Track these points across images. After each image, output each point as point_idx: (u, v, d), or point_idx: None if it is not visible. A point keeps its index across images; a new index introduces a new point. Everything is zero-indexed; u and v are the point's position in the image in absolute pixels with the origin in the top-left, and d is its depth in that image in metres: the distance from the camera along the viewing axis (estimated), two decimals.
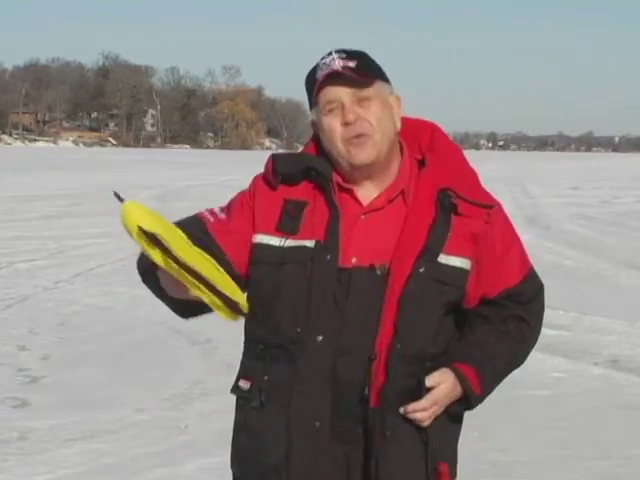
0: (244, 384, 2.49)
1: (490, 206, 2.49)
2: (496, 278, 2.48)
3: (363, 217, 2.44)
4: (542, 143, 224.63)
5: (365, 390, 2.37)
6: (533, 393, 6.99)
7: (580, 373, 7.75)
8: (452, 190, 2.42)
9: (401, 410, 2.36)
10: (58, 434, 5.97)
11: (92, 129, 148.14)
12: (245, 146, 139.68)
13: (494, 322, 2.50)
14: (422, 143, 2.53)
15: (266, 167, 2.51)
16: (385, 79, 2.48)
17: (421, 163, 2.51)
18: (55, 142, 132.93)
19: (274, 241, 2.44)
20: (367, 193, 2.46)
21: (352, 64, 2.41)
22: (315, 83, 2.42)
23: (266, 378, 2.43)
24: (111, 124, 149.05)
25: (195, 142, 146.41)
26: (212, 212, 2.54)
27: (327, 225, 2.42)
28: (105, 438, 5.91)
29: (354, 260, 2.40)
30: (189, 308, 2.44)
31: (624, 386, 7.45)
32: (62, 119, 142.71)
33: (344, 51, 2.45)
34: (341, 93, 2.41)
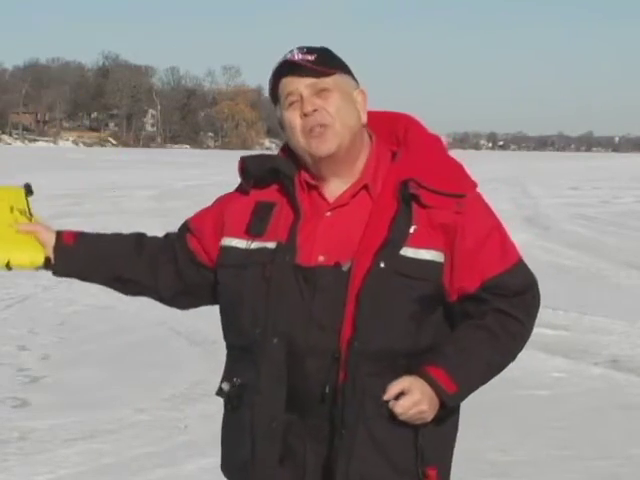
0: (225, 386, 2.51)
1: (460, 195, 2.41)
2: (472, 269, 2.39)
3: (329, 214, 2.43)
4: (542, 143, 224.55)
5: (326, 388, 2.35)
6: (533, 393, 6.99)
7: (580, 373, 7.75)
8: (415, 180, 2.38)
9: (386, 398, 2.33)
10: (58, 434, 5.97)
11: (92, 129, 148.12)
12: (245, 146, 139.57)
13: (474, 317, 2.42)
14: (398, 134, 2.51)
15: (238, 169, 2.54)
16: (348, 72, 2.48)
17: (394, 156, 2.48)
18: (55, 142, 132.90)
19: (240, 244, 2.46)
20: (334, 190, 2.45)
21: (311, 57, 2.41)
22: (273, 76, 2.45)
23: (237, 380, 2.46)
24: (111, 124, 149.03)
25: (195, 142, 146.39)
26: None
27: (290, 226, 2.42)
28: (105, 438, 5.91)
29: (321, 258, 2.38)
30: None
31: (624, 386, 7.45)
32: (62, 119, 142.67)
33: (305, 47, 2.46)
34: (299, 85, 2.41)
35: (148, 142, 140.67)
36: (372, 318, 2.33)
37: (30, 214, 2.70)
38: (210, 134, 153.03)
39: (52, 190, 29.74)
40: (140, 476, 5.28)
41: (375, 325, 2.33)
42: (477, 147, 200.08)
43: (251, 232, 2.45)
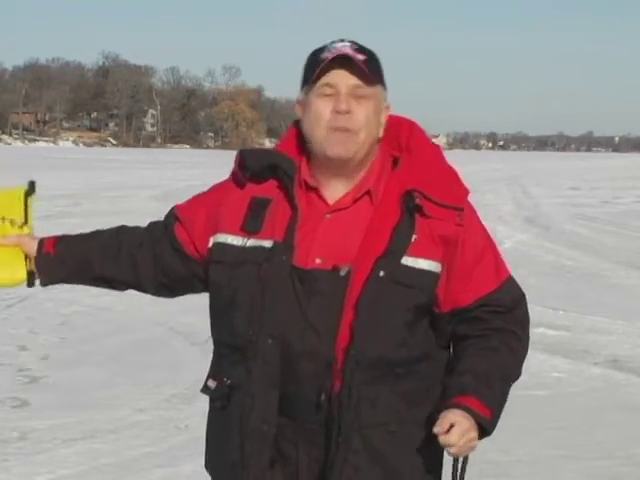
0: (211, 384, 2.49)
1: (461, 208, 2.40)
2: (468, 283, 2.40)
3: (328, 216, 2.40)
4: (542, 143, 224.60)
5: (322, 396, 2.33)
6: (533, 393, 6.98)
7: (580, 373, 7.75)
8: (419, 191, 2.36)
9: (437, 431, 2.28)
10: (58, 434, 5.97)
11: (92, 129, 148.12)
12: (245, 146, 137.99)
13: (474, 339, 2.41)
14: (401, 140, 2.48)
15: (234, 162, 2.50)
16: (384, 85, 2.44)
17: (395, 161, 2.46)
18: (55, 142, 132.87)
19: (236, 241, 2.42)
20: (334, 192, 2.42)
21: (361, 57, 2.36)
22: (320, 61, 2.35)
23: (227, 380, 2.43)
24: (111, 124, 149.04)
25: (195, 142, 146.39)
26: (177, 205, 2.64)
27: (287, 225, 2.38)
28: (105, 438, 5.91)
29: (318, 261, 2.36)
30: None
31: (624, 386, 7.45)
32: (62, 119, 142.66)
33: (355, 42, 2.40)
34: (343, 80, 2.35)
35: (148, 142, 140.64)
36: (370, 326, 2.31)
37: (25, 219, 2.64)
38: (210, 134, 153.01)
39: (52, 190, 29.73)
40: (140, 476, 5.28)
41: (372, 333, 2.31)
42: (477, 147, 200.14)
43: (246, 229, 2.41)
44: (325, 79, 2.35)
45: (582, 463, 5.63)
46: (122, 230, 2.69)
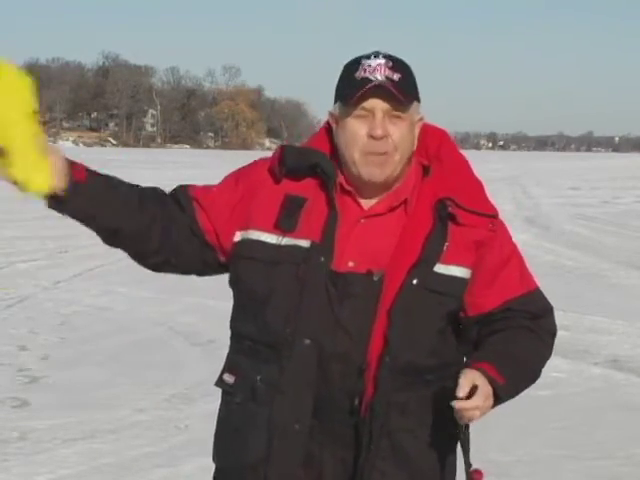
0: (229, 378, 2.47)
1: (494, 215, 2.44)
2: (492, 287, 2.42)
3: (363, 221, 2.40)
4: (542, 143, 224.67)
5: (355, 401, 2.34)
6: (533, 393, 6.93)
7: (580, 373, 7.75)
8: (451, 200, 2.38)
9: (453, 404, 2.26)
10: (58, 434, 5.97)
11: (92, 129, 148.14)
12: (245, 146, 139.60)
13: (498, 333, 2.43)
14: (430, 149, 2.49)
15: (274, 156, 2.47)
16: (418, 99, 2.43)
17: (426, 170, 2.47)
18: (55, 142, 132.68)
19: (270, 239, 2.40)
20: (369, 197, 2.42)
21: (396, 77, 2.35)
22: (356, 84, 2.34)
23: (251, 377, 2.41)
24: (111, 124, 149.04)
25: (195, 142, 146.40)
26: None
27: (324, 226, 2.38)
28: (105, 438, 5.91)
29: (351, 264, 2.36)
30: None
31: (624, 386, 7.45)
32: (62, 119, 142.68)
33: (390, 58, 2.38)
34: (378, 106, 2.35)
35: (148, 142, 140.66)
36: (404, 333, 2.32)
37: (37, 116, 2.37)
38: (210, 134, 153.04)
39: None
40: (140, 476, 5.28)
41: (406, 340, 2.33)
42: (477, 147, 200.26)
43: (281, 227, 2.39)
44: (360, 102, 2.35)
45: (582, 463, 5.63)
46: (148, 190, 2.51)
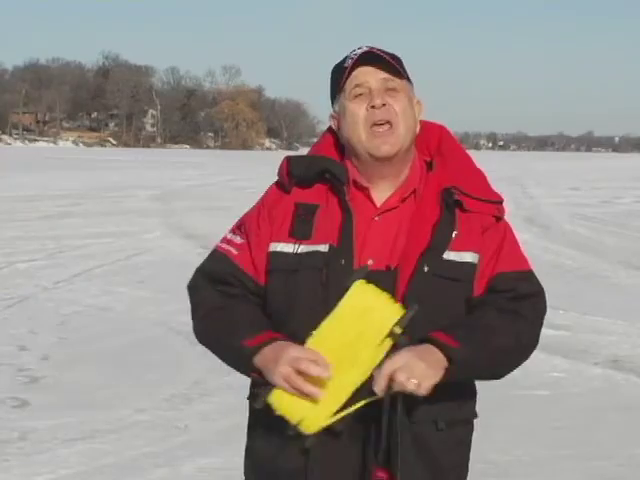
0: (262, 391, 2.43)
1: (499, 202, 2.48)
2: (490, 267, 2.43)
3: (377, 218, 2.43)
4: (542, 143, 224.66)
5: (372, 391, 2.30)
6: (533, 393, 6.99)
7: (580, 373, 7.75)
8: (457, 188, 2.42)
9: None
10: (58, 434, 5.97)
11: (92, 129, 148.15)
12: (245, 146, 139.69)
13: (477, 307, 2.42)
14: (430, 145, 2.52)
15: (280, 170, 2.48)
16: (410, 81, 2.49)
17: (429, 165, 2.50)
18: (55, 142, 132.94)
19: (288, 248, 2.40)
20: (381, 193, 2.45)
21: (384, 53, 2.42)
22: (344, 70, 2.41)
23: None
24: (111, 124, 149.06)
25: (195, 142, 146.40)
26: (229, 242, 2.50)
27: (340, 228, 2.39)
28: (105, 438, 5.91)
29: (370, 262, 2.37)
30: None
31: (624, 386, 7.45)
32: (62, 119, 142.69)
33: (374, 47, 2.44)
34: (371, 78, 2.40)
35: (148, 142, 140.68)
36: (418, 321, 2.30)
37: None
38: (210, 134, 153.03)
39: (52, 190, 29.77)
40: (140, 476, 5.28)
41: (421, 328, 2.31)
42: (477, 147, 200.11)
43: (296, 235, 2.40)
44: (354, 80, 2.40)
45: (582, 463, 5.63)
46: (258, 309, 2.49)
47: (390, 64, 2.40)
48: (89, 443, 5.81)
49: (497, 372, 2.45)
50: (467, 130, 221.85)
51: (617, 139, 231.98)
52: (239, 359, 2.39)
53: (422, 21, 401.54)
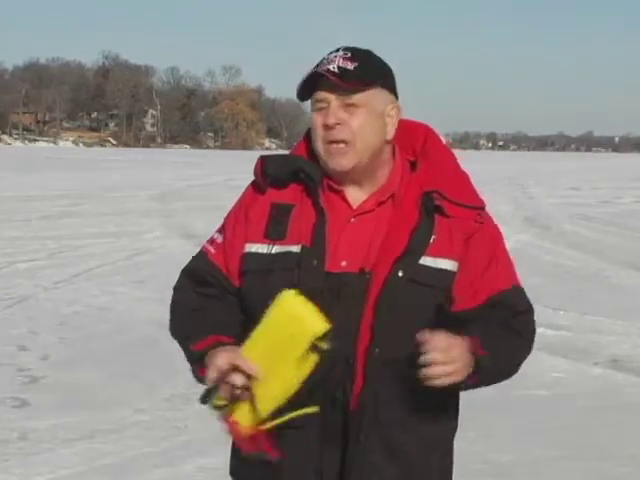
0: None
1: (481, 207, 2.45)
2: (483, 281, 2.41)
3: (353, 220, 2.41)
4: (542, 143, 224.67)
5: (337, 393, 2.34)
6: (533, 393, 6.99)
7: (580, 373, 7.75)
8: (438, 192, 2.39)
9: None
10: (58, 434, 5.97)
11: (92, 129, 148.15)
12: (245, 146, 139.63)
13: (485, 320, 2.40)
14: (415, 145, 2.50)
15: (255, 169, 2.48)
16: (387, 86, 2.43)
17: (413, 165, 2.48)
18: (55, 142, 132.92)
19: (262, 249, 2.41)
20: (357, 195, 2.43)
21: (351, 66, 2.36)
22: (307, 79, 2.39)
23: None
24: (111, 124, 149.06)
25: (195, 142, 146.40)
26: (212, 241, 2.53)
27: (314, 229, 2.38)
28: (105, 438, 5.91)
29: (344, 264, 2.36)
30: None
31: (624, 386, 7.45)
32: (62, 119, 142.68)
33: (349, 49, 2.40)
34: (328, 95, 2.38)
35: (148, 142, 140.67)
36: (391, 325, 2.32)
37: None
38: (210, 134, 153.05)
39: (52, 190, 29.77)
40: (140, 476, 5.28)
41: (393, 332, 2.33)
42: (477, 147, 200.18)
43: (270, 236, 2.40)
44: (315, 95, 2.40)
45: (582, 463, 5.63)
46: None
47: (350, 83, 2.35)
48: (89, 443, 5.81)
49: (489, 384, 2.43)
50: (467, 130, 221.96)
51: (617, 139, 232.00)
52: (191, 363, 2.45)
53: (421, 20, 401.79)
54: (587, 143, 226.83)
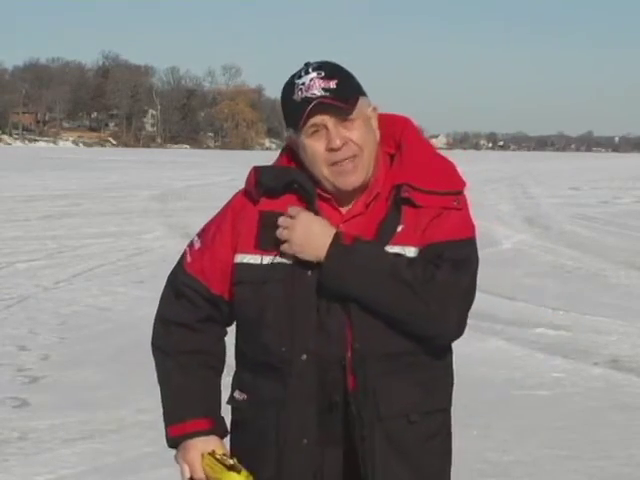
0: (239, 395, 2.50)
1: (456, 192, 2.42)
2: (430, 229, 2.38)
3: (342, 226, 2.41)
4: (542, 143, 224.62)
5: (334, 396, 2.36)
6: (533, 393, 6.98)
7: (580, 373, 7.75)
8: (407, 184, 2.39)
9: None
10: (58, 434, 5.97)
11: (92, 129, 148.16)
12: (245, 146, 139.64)
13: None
14: (395, 137, 2.51)
15: (248, 179, 2.47)
16: (363, 93, 2.45)
17: (392, 158, 2.49)
18: (55, 142, 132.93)
19: (254, 259, 2.41)
20: (345, 201, 2.44)
21: (333, 84, 2.36)
22: (298, 110, 2.36)
23: (258, 394, 2.44)
24: (111, 124, 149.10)
25: (195, 142, 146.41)
26: (191, 247, 2.54)
27: None
28: (105, 438, 5.91)
29: None
30: None
31: (624, 386, 7.45)
32: (62, 119, 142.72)
33: (321, 68, 2.39)
34: (324, 117, 2.36)
35: (148, 142, 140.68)
36: (366, 319, 2.33)
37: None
38: (210, 134, 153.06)
39: (52, 190, 29.76)
40: (140, 476, 5.28)
41: (370, 325, 2.34)
42: (477, 147, 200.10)
43: (262, 247, 2.40)
44: (310, 121, 2.37)
45: (582, 463, 5.63)
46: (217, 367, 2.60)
47: (344, 106, 2.35)
48: (89, 443, 5.81)
49: (354, 287, 2.35)
50: (467, 130, 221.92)
51: (617, 139, 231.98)
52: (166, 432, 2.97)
53: (422, 20, 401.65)
54: (587, 143, 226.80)
